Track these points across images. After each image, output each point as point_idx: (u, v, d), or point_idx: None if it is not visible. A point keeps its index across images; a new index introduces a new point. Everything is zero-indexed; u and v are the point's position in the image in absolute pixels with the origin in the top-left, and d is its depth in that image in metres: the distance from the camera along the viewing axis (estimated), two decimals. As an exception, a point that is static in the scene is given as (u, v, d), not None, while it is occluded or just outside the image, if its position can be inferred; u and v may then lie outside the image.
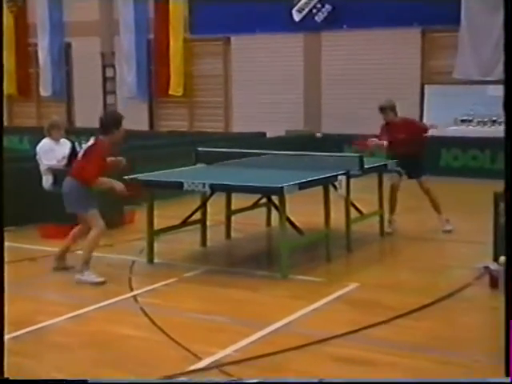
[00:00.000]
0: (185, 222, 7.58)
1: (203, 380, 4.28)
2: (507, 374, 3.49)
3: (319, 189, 7.08)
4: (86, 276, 6.27)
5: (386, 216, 8.36)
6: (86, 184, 6.22)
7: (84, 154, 6.36)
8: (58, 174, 8.45)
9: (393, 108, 8.40)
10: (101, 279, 6.26)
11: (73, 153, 8.41)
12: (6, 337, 4.46)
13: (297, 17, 15.09)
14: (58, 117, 10.33)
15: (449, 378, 4.22)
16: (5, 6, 17.29)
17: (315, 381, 4.14)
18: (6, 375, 3.42)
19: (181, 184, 6.70)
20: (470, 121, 13.44)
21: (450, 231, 8.29)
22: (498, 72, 12.50)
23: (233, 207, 8.13)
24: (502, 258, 5.62)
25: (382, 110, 8.38)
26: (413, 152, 8.31)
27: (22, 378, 3.79)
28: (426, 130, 8.75)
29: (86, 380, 3.77)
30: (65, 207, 6.46)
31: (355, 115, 14.49)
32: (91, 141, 6.40)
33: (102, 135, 6.36)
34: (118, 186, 6.32)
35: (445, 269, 6.88)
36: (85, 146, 6.49)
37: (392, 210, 8.46)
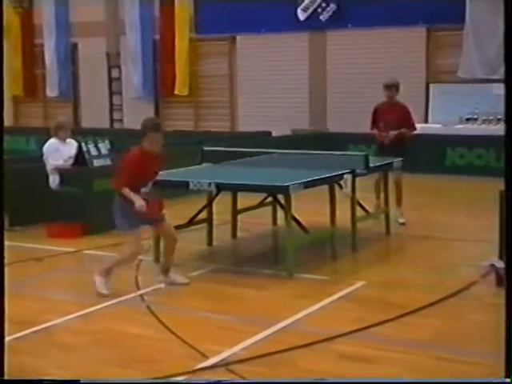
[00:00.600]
0: (191, 221, 7.60)
1: (205, 380, 4.29)
2: (507, 375, 3.49)
3: (325, 188, 7.10)
4: (99, 281, 5.98)
5: (392, 212, 8.38)
6: (115, 189, 5.90)
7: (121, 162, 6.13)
8: (64, 174, 8.50)
9: (398, 87, 8.78)
10: (107, 292, 5.92)
11: (79, 153, 8.46)
12: (12, 336, 4.51)
13: (302, 16, 15.10)
14: (65, 117, 10.37)
15: (451, 378, 4.22)
16: (8, 6, 17.37)
17: (314, 380, 4.15)
18: (10, 374, 3.44)
19: (187, 183, 6.73)
20: (475, 119, 13.42)
21: (404, 224, 8.52)
22: (503, 71, 12.45)
23: (239, 206, 8.14)
24: (508, 256, 5.62)
25: (389, 87, 8.71)
26: (396, 139, 8.58)
27: (21, 378, 3.79)
28: (414, 127, 8.88)
29: (79, 380, 3.79)
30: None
31: (361, 114, 14.43)
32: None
33: (141, 140, 5.96)
34: (138, 202, 5.78)
35: (451, 267, 6.88)
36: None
37: (399, 202, 8.66)
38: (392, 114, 8.68)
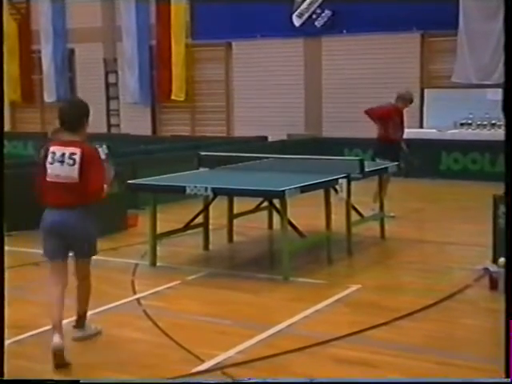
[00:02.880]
0: (187, 226, 7.64)
1: (205, 381, 4.33)
2: (507, 375, 3.53)
3: (320, 192, 7.14)
4: (86, 330, 5.16)
5: (386, 208, 8.46)
6: (96, 200, 4.81)
7: (81, 167, 4.68)
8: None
9: (401, 98, 9.36)
10: (98, 328, 5.22)
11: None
12: (10, 340, 4.54)
13: (297, 22, 15.17)
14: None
15: (449, 378, 4.27)
16: (7, 12, 17.42)
17: (308, 380, 4.19)
18: (8, 377, 3.47)
19: (183, 188, 6.76)
20: (470, 124, 13.49)
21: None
22: (497, 76, 12.57)
23: (235, 211, 8.18)
24: (502, 260, 5.68)
25: (411, 101, 9.41)
26: (397, 140, 9.13)
27: (21, 378, 3.83)
28: (402, 132, 9.38)
29: (78, 380, 3.81)
30: (57, 253, 4.88)
31: (356, 119, 14.53)
32: (70, 147, 4.69)
33: (74, 133, 4.74)
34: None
35: (445, 270, 6.92)
36: (64, 154, 4.69)
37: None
38: (400, 117, 9.26)
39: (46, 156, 4.78)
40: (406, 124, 9.53)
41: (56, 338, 4.64)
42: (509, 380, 3.51)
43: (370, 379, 4.25)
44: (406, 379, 4.26)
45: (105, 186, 4.78)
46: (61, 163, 4.69)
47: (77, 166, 4.66)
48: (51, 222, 4.81)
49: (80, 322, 5.12)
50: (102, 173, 4.77)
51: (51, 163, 4.72)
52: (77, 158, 4.66)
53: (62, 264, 4.90)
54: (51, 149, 4.76)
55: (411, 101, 9.40)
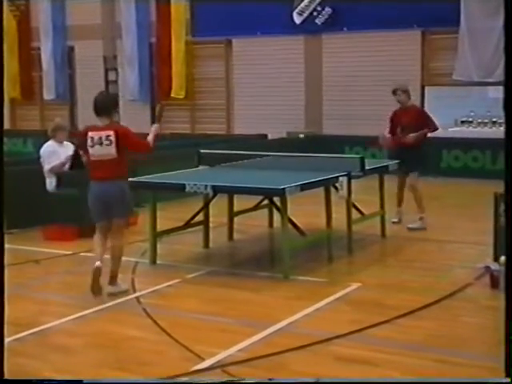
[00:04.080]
0: (187, 224, 7.63)
1: (205, 380, 4.32)
2: (507, 375, 3.52)
3: (321, 190, 7.13)
4: (115, 289, 6.02)
5: (388, 214, 8.42)
6: (149, 151, 6.03)
7: (117, 145, 5.78)
8: (61, 177, 8.52)
9: (404, 90, 8.71)
10: (126, 286, 6.18)
11: (76, 156, 8.48)
12: (10, 338, 4.53)
13: (297, 19, 15.14)
14: (62, 119, 10.39)
15: (449, 378, 4.26)
16: (7, 9, 17.39)
17: (312, 380, 4.18)
18: (8, 376, 3.46)
19: (183, 186, 6.75)
20: (471, 122, 13.47)
21: (399, 222, 8.69)
22: (498, 74, 12.54)
23: (235, 209, 8.17)
24: (503, 258, 5.66)
25: (394, 92, 8.69)
26: (414, 142, 8.49)
27: (21, 378, 3.81)
28: (434, 128, 8.77)
29: (82, 380, 3.80)
30: (102, 215, 5.94)
31: (356, 117, 14.53)
32: (105, 131, 5.79)
33: (106, 118, 5.85)
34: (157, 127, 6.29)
35: (446, 268, 6.91)
36: (101, 137, 5.77)
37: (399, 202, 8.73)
38: (406, 117, 8.62)
39: (84, 142, 5.90)
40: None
41: (97, 262, 5.86)
42: (509, 380, 3.49)
43: (374, 379, 4.22)
44: (407, 379, 4.24)
45: (149, 142, 6.08)
46: (100, 145, 5.81)
47: (114, 145, 5.79)
48: (98, 191, 5.91)
49: (113, 280, 6.00)
50: (137, 141, 5.99)
51: (92, 146, 5.85)
52: (112, 138, 5.79)
53: (105, 226, 6.00)
54: (89, 134, 5.87)
55: (393, 92, 8.78)
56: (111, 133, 5.79)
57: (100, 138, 5.80)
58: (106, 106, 5.90)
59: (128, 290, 6.11)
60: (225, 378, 4.31)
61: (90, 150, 5.88)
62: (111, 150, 5.80)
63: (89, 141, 5.86)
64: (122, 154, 5.85)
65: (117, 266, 6.04)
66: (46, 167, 8.51)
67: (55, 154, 8.54)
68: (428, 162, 9.06)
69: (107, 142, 5.79)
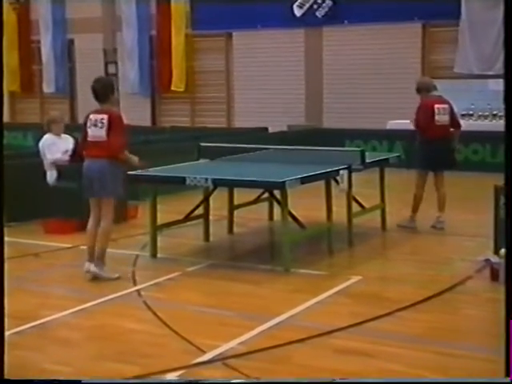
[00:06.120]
0: (187, 217, 7.63)
1: (202, 379, 4.30)
2: (507, 374, 3.52)
3: (321, 183, 7.12)
4: (101, 271, 6.25)
5: (388, 209, 8.38)
6: (115, 155, 6.13)
7: (108, 128, 6.12)
8: (61, 170, 8.51)
9: (424, 88, 8.46)
10: (117, 275, 6.30)
11: (76, 148, 8.46)
12: (11, 331, 4.53)
13: (298, 12, 15.11)
14: (57, 112, 10.38)
15: (449, 378, 4.24)
16: (7, 3, 17.36)
17: (330, 380, 4.15)
18: (9, 369, 3.46)
19: (183, 179, 6.74)
20: (471, 115, 13.45)
21: (443, 228, 8.13)
22: (499, 66, 12.52)
23: (235, 202, 8.17)
24: (503, 251, 5.65)
25: (417, 90, 8.39)
26: (447, 136, 8.14)
27: (21, 378, 3.80)
28: (458, 125, 8.46)
29: (80, 380, 3.80)
30: (87, 192, 6.26)
31: (357, 110, 14.52)
32: (101, 114, 6.17)
33: (104, 103, 6.24)
34: (136, 159, 6.43)
35: (446, 261, 6.92)
36: (97, 119, 6.16)
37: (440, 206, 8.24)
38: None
39: (86, 123, 6.28)
40: (408, 116, 9.14)
41: (86, 264, 6.23)
42: (509, 379, 3.49)
43: (385, 379, 4.18)
44: (408, 379, 4.22)
45: (125, 153, 6.24)
46: (95, 126, 6.19)
47: (105, 128, 6.15)
48: (85, 168, 6.26)
49: (98, 260, 6.22)
50: (121, 134, 6.17)
51: (89, 127, 6.24)
52: (105, 121, 6.15)
53: (94, 200, 6.28)
54: (90, 116, 6.26)
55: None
56: (105, 116, 6.17)
57: (96, 121, 6.20)
58: (102, 92, 6.25)
59: (117, 278, 6.22)
60: (225, 371, 4.31)
61: (88, 131, 6.27)
62: (102, 133, 6.15)
63: (88, 122, 6.28)
64: (112, 136, 6.15)
65: (103, 246, 6.25)
66: (49, 158, 8.50)
67: (55, 145, 8.53)
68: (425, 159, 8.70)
69: (100, 125, 6.17)
